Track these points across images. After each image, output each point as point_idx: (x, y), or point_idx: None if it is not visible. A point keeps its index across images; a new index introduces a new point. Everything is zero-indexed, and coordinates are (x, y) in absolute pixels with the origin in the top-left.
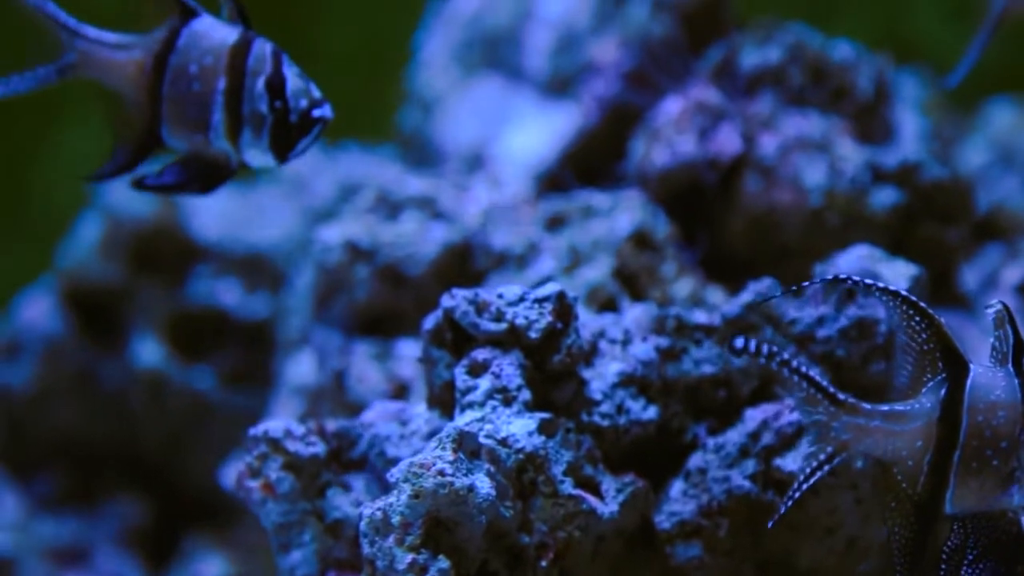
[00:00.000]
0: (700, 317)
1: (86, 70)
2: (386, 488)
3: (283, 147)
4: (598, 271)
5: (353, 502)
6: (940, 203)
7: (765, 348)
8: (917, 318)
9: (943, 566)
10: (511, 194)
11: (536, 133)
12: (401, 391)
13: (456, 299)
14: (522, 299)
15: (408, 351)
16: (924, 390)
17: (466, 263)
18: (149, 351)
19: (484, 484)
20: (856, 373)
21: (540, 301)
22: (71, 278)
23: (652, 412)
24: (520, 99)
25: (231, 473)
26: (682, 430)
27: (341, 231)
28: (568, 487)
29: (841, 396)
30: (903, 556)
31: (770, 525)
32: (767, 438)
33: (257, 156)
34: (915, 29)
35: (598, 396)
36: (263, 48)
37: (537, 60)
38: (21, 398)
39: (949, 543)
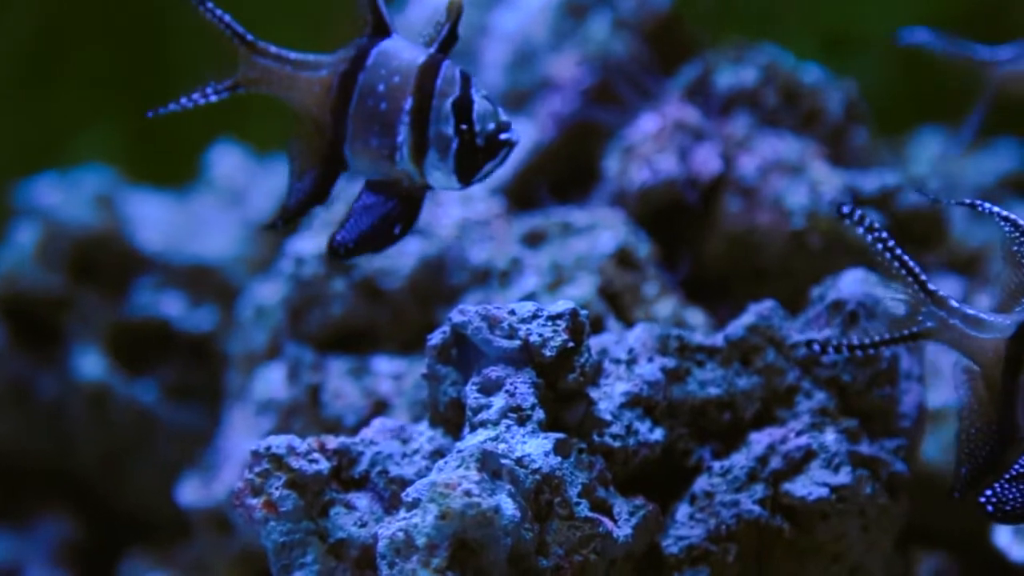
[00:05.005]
0: (702, 338)
1: (266, 87)
2: (389, 508)
3: (468, 170)
4: (583, 289)
5: (357, 522)
6: (917, 229)
7: (870, 220)
8: None
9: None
10: (484, 209)
11: None
12: (380, 407)
13: (468, 315)
14: (536, 316)
15: (385, 367)
16: (1018, 308)
17: (442, 278)
18: (91, 363)
19: (509, 505)
20: (861, 397)
21: (554, 318)
22: (5, 285)
23: (659, 434)
24: None
25: (186, 490)
26: (687, 452)
27: (316, 243)
28: (584, 509)
29: (932, 286)
30: (972, 460)
31: (816, 348)
32: (775, 462)
33: (441, 178)
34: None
35: (607, 417)
36: (452, 70)
37: (492, 75)
38: None
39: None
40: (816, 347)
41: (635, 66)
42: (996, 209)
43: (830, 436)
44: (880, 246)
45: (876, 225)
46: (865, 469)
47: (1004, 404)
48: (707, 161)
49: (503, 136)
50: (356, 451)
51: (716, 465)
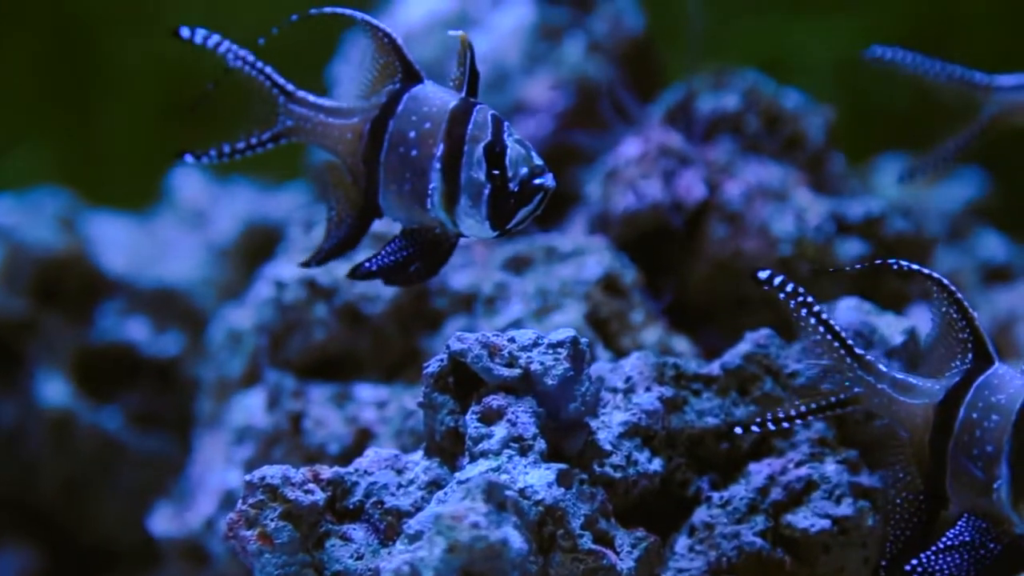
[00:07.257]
0: (699, 367)
1: (302, 136)
2: (385, 539)
3: (502, 217)
4: (570, 316)
5: (353, 554)
6: (904, 256)
7: (790, 286)
8: (955, 308)
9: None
10: None
11: None
12: (364, 436)
13: (467, 343)
14: (536, 344)
15: (368, 395)
16: (948, 373)
17: (424, 303)
18: (54, 389)
19: (516, 538)
20: (859, 428)
21: (555, 347)
22: None
23: (657, 464)
24: None
25: (159, 520)
26: (685, 483)
27: (296, 268)
28: (587, 542)
29: (858, 350)
30: (899, 531)
31: (738, 431)
32: (776, 493)
33: (473, 226)
34: None
35: (607, 447)
36: (484, 114)
37: None
38: None
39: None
40: (738, 429)
41: (619, 88)
42: (917, 267)
43: (830, 467)
44: (804, 311)
45: (799, 289)
46: (866, 501)
47: (933, 472)
48: (692, 187)
49: (537, 181)
50: (350, 481)
51: (715, 496)
